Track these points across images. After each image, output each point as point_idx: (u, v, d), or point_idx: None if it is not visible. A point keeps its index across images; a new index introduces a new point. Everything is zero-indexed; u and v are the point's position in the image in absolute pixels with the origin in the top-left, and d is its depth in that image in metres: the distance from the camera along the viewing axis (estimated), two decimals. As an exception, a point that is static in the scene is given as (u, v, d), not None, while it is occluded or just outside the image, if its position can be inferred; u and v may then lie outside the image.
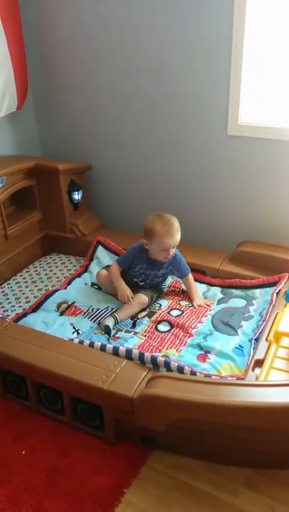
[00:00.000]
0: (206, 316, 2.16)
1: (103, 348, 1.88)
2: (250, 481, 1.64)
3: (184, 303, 2.26)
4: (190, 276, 2.30)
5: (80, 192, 2.75)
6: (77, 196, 2.74)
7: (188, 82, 2.38)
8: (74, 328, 2.09)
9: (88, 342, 1.92)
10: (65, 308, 2.26)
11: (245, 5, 2.07)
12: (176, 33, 2.29)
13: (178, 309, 2.20)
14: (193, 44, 2.27)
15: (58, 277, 2.59)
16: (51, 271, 2.66)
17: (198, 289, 2.35)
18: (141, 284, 2.29)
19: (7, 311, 2.31)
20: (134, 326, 2.12)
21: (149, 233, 2.11)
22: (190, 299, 2.28)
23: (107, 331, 2.04)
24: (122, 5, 2.35)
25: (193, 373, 1.73)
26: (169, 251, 2.14)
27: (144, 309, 2.23)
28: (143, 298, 2.21)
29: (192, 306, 2.23)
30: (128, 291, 2.21)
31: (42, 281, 2.56)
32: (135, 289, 2.27)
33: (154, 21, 2.31)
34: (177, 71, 2.38)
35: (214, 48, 2.23)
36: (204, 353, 1.90)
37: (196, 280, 2.38)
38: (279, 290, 2.16)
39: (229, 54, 2.20)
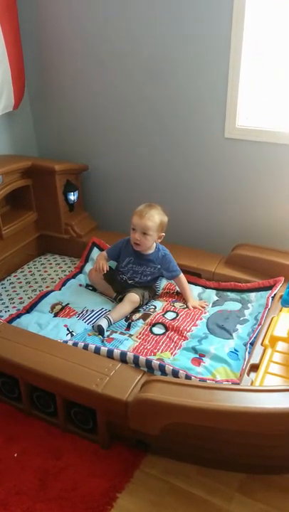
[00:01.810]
0: (201, 319, 2.15)
1: (97, 350, 1.87)
2: (244, 486, 1.63)
3: (178, 304, 2.25)
4: (181, 277, 2.29)
5: (76, 193, 2.74)
6: (72, 197, 2.72)
7: (186, 85, 2.37)
8: (68, 329, 2.07)
9: (82, 344, 1.91)
10: (60, 310, 2.24)
11: (244, 6, 2.07)
12: (174, 34, 2.28)
13: (173, 311, 2.19)
14: (191, 46, 2.27)
15: (52, 278, 2.58)
16: (46, 272, 2.65)
17: (194, 290, 2.35)
18: (130, 282, 2.28)
19: (0, 311, 2.29)
20: (128, 328, 2.10)
21: None
22: (185, 301, 2.27)
23: (100, 331, 2.03)
24: (120, 5, 2.34)
25: (188, 377, 1.71)
26: (136, 233, 2.15)
27: (137, 310, 2.22)
28: (134, 296, 2.19)
29: (187, 307, 2.23)
30: (103, 261, 2.28)
31: (36, 282, 2.55)
32: (125, 288, 2.27)
33: (152, 23, 2.30)
34: (175, 72, 2.37)
35: (212, 50, 2.23)
36: (199, 356, 1.89)
37: (191, 283, 2.37)
38: (274, 294, 2.16)
39: (227, 57, 2.20)
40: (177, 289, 2.35)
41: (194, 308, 2.22)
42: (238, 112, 2.32)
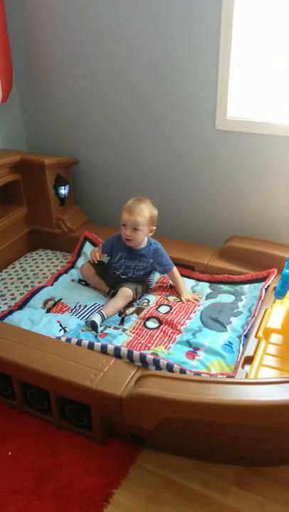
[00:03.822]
0: (194, 312, 2.14)
1: (91, 346, 1.85)
2: (241, 479, 1.63)
3: (171, 298, 2.24)
4: (174, 270, 2.28)
5: (67, 187, 2.70)
6: (63, 191, 2.69)
7: (177, 77, 2.34)
8: (61, 325, 2.05)
9: (76, 340, 1.89)
10: (52, 305, 2.22)
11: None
12: (165, 28, 2.24)
13: (166, 305, 2.17)
14: (181, 39, 2.24)
15: (44, 273, 2.55)
16: (37, 267, 2.62)
17: (187, 283, 2.34)
18: (123, 277, 2.27)
19: (-8, 308, 2.26)
20: (122, 322, 2.09)
21: None
22: (178, 294, 2.26)
23: (93, 326, 2.01)
24: (111, 0, 2.30)
25: (182, 371, 1.70)
26: (127, 229, 2.14)
27: (131, 304, 2.20)
28: (127, 291, 2.18)
29: (180, 300, 2.21)
30: (96, 250, 2.33)
31: (28, 278, 2.52)
32: (118, 283, 2.25)
33: (143, 18, 2.27)
34: (165, 65, 2.34)
35: (202, 41, 2.20)
36: (193, 350, 1.88)
37: (184, 276, 2.36)
38: (268, 286, 2.15)
39: (217, 48, 2.17)
40: (170, 282, 2.34)
41: (188, 301, 2.21)
42: (228, 103, 2.29)
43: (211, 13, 2.12)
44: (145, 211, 2.12)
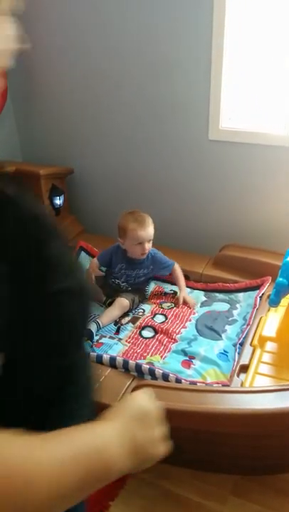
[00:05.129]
0: (189, 320, 2.15)
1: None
2: (238, 488, 1.63)
3: (166, 305, 2.25)
4: (176, 266, 2.30)
5: (62, 197, 2.71)
6: (58, 201, 2.70)
7: (169, 88, 2.37)
8: (56, 336, 2.05)
9: (71, 350, 1.88)
10: (48, 316, 2.21)
11: (225, 7, 2.07)
12: (157, 39, 2.27)
13: (161, 314, 2.18)
14: (173, 49, 2.26)
15: (39, 284, 2.54)
16: (33, 277, 2.61)
17: (182, 292, 2.35)
18: (123, 285, 2.27)
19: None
20: (117, 332, 2.09)
21: (123, 230, 2.14)
22: (172, 301, 2.27)
23: (89, 335, 2.01)
24: (99, 8, 2.33)
25: (178, 380, 1.70)
26: (144, 245, 2.15)
27: (127, 314, 2.20)
28: (124, 301, 2.18)
29: (174, 306, 2.22)
30: (93, 270, 2.27)
31: (23, 288, 2.51)
32: (117, 292, 2.26)
33: (135, 27, 2.30)
34: (158, 75, 2.36)
35: (194, 52, 2.23)
36: (189, 358, 1.88)
37: (179, 285, 2.37)
38: (262, 294, 2.16)
39: (210, 59, 2.20)
40: (165, 290, 2.35)
41: (184, 302, 2.22)
42: (221, 113, 2.32)
43: (202, 23, 2.14)
44: (148, 219, 2.15)
